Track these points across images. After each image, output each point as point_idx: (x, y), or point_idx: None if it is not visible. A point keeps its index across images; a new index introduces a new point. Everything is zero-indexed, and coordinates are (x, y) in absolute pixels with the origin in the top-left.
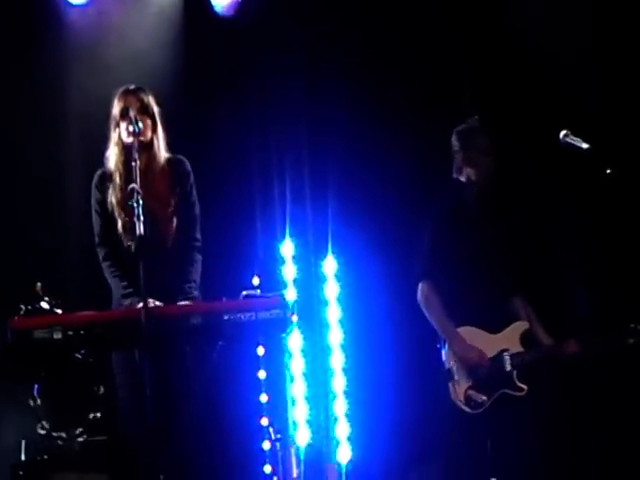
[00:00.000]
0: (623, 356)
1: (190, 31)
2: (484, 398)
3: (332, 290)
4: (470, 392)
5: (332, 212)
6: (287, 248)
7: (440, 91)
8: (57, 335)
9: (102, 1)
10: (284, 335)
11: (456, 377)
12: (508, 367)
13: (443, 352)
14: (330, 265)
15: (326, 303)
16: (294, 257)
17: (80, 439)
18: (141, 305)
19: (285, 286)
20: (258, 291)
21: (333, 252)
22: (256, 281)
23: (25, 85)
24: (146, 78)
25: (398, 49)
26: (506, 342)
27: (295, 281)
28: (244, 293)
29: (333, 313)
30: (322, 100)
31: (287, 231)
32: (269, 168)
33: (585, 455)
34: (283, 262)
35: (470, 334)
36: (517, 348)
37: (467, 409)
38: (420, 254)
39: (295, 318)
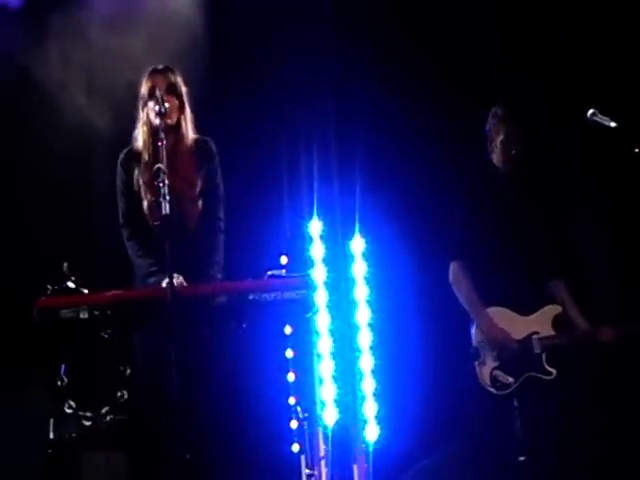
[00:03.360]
0: None
1: (219, 8)
2: (510, 380)
3: (360, 269)
4: (496, 372)
5: (360, 191)
6: (315, 227)
7: (471, 71)
8: (83, 315)
9: None
10: (309, 315)
11: (482, 357)
12: (537, 350)
13: (471, 332)
14: (358, 244)
15: (354, 282)
16: (322, 236)
17: (107, 418)
18: (166, 283)
19: (313, 265)
20: (284, 271)
21: (361, 231)
22: (284, 260)
23: (55, 59)
24: (174, 57)
25: (429, 27)
26: (537, 325)
27: (323, 260)
28: (269, 273)
29: (361, 292)
30: (351, 78)
31: (315, 210)
32: (296, 147)
33: (614, 439)
34: (311, 241)
35: (500, 315)
36: (548, 331)
37: (493, 390)
38: (452, 233)
39: (322, 297)
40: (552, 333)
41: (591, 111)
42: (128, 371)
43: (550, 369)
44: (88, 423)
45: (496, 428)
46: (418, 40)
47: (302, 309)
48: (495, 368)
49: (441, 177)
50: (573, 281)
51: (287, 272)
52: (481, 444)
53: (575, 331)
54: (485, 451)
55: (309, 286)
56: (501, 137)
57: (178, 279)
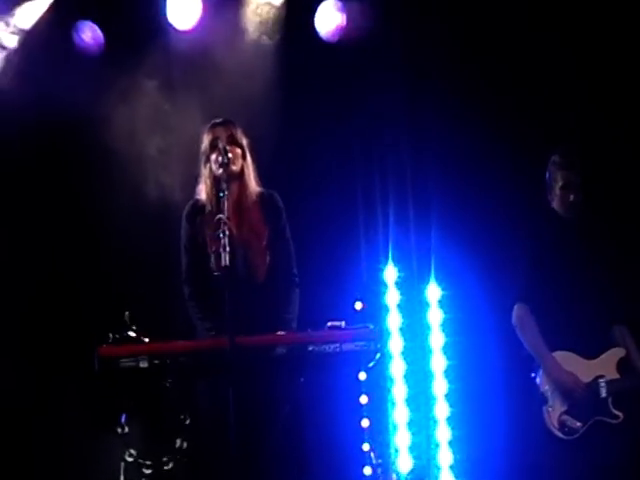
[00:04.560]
0: None
1: (292, 56)
2: (578, 424)
3: (435, 316)
4: (564, 417)
5: (435, 237)
6: (390, 273)
7: (540, 118)
8: (143, 364)
9: (206, 27)
10: (370, 366)
11: (550, 402)
12: (604, 394)
13: (538, 376)
14: (433, 291)
15: (429, 329)
16: (397, 282)
17: (167, 467)
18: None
19: (388, 312)
20: (343, 323)
21: (436, 278)
22: (359, 306)
23: (129, 107)
24: (245, 103)
25: (502, 74)
26: (602, 368)
27: (398, 306)
28: (329, 324)
29: (436, 339)
30: (425, 124)
31: (390, 256)
32: (372, 193)
33: None
34: (386, 287)
35: (565, 359)
36: (613, 375)
37: (561, 435)
38: (516, 275)
39: (397, 344)
40: (617, 376)
41: None
42: (188, 420)
43: (617, 413)
44: (148, 472)
45: (565, 474)
46: (493, 84)
47: (363, 361)
48: (563, 413)
49: (516, 224)
50: (637, 327)
51: (353, 321)
52: None
53: (638, 374)
54: None
55: (369, 338)
56: (560, 184)
57: None
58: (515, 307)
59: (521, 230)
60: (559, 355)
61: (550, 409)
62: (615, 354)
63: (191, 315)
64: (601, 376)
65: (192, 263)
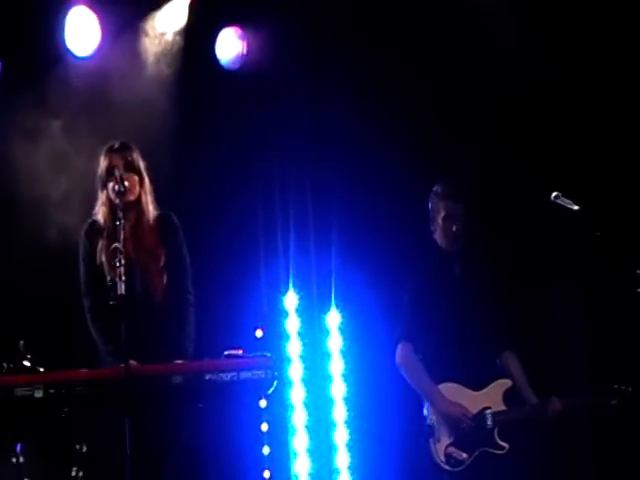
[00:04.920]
0: (607, 416)
1: (192, 82)
2: (464, 456)
3: (335, 343)
4: (450, 449)
5: (336, 265)
6: (291, 300)
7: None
8: (38, 394)
9: (105, 55)
10: (268, 394)
11: (437, 434)
12: (490, 425)
13: (424, 409)
14: (333, 318)
15: (329, 356)
16: (297, 309)
17: None
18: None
19: (288, 338)
20: (240, 351)
21: (336, 305)
22: (259, 333)
23: (26, 135)
24: (144, 128)
25: (398, 99)
26: (488, 400)
27: (299, 333)
28: (226, 353)
29: (336, 366)
30: (327, 151)
31: (290, 283)
32: (273, 221)
33: None
34: (287, 315)
35: (451, 391)
36: (499, 406)
37: (447, 467)
38: (399, 314)
39: (297, 371)
40: (503, 407)
41: (555, 194)
42: (84, 449)
43: (502, 443)
44: None
45: None
46: (388, 116)
47: (260, 389)
48: (449, 444)
49: (416, 251)
50: (527, 352)
51: (253, 349)
52: None
53: (524, 405)
54: None
55: (266, 366)
56: (442, 214)
57: (133, 364)
58: (398, 346)
59: (408, 264)
60: (445, 387)
61: (436, 441)
62: (501, 385)
63: (91, 328)
64: (487, 407)
65: (90, 276)
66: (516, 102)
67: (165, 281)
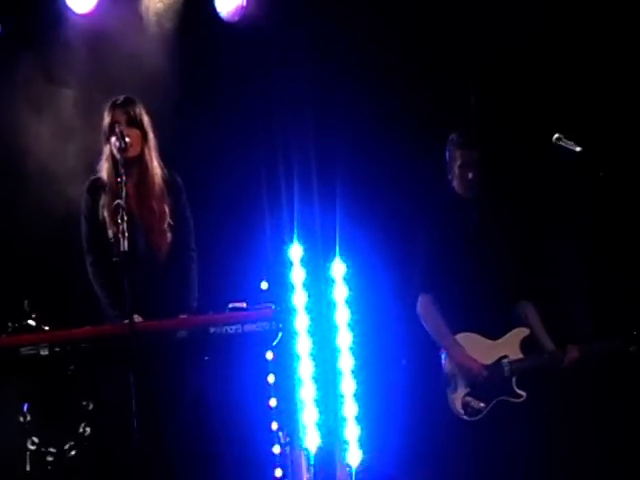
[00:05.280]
0: (624, 363)
1: (193, 37)
2: (482, 405)
3: (340, 293)
4: (467, 399)
5: (340, 215)
6: (295, 252)
7: (446, 95)
8: (44, 352)
9: (104, 10)
10: (273, 345)
11: (453, 384)
12: (507, 373)
13: (442, 359)
14: (338, 268)
15: (334, 306)
16: (302, 260)
17: (70, 454)
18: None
19: (293, 290)
20: (244, 304)
21: (341, 255)
22: (264, 285)
23: (25, 90)
24: (147, 86)
25: (403, 52)
26: (506, 348)
27: (303, 284)
28: (230, 305)
29: (342, 316)
30: (329, 103)
31: (295, 235)
32: (276, 172)
33: (585, 461)
34: (291, 265)
35: (469, 341)
36: (517, 354)
37: (465, 416)
38: (417, 265)
39: (302, 322)
40: (520, 356)
41: (556, 136)
42: (91, 406)
43: (520, 392)
44: (51, 459)
45: (467, 454)
46: (394, 62)
47: (265, 341)
48: (466, 395)
49: (421, 200)
50: (544, 300)
51: (259, 301)
52: (451, 472)
53: (542, 353)
54: (454, 477)
55: (269, 318)
56: (458, 162)
57: (138, 319)
58: (419, 298)
59: (422, 213)
60: (462, 337)
61: (454, 391)
62: (518, 334)
63: (94, 283)
64: (505, 356)
65: (92, 232)
66: (519, 51)
67: (169, 239)
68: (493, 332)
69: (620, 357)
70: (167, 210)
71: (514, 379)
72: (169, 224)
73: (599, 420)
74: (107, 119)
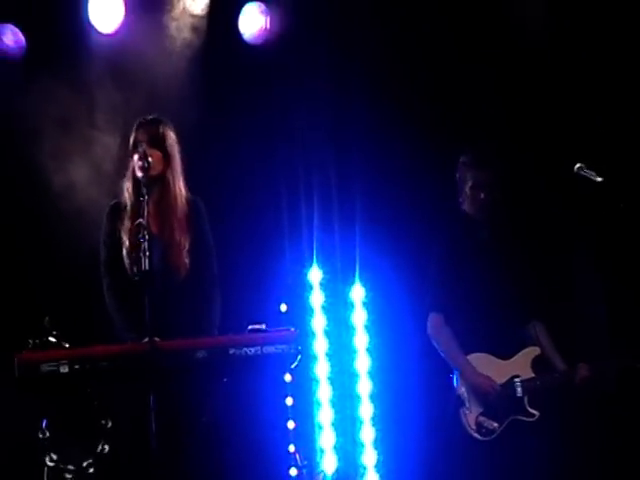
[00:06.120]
0: (636, 380)
1: (216, 59)
2: (495, 425)
3: (360, 317)
4: (481, 419)
5: (360, 239)
6: (315, 275)
7: (460, 117)
8: (64, 369)
9: (129, 31)
10: (292, 368)
11: (467, 404)
12: (519, 393)
13: (454, 380)
14: (358, 292)
15: (353, 330)
16: (322, 284)
17: (88, 471)
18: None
19: (312, 313)
20: (263, 325)
21: (361, 279)
22: (284, 308)
23: (51, 110)
24: (170, 109)
25: (421, 74)
26: (517, 368)
27: (323, 308)
28: (250, 327)
29: (360, 340)
30: (350, 126)
31: (315, 258)
32: (296, 196)
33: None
34: (311, 289)
35: (481, 361)
36: (528, 374)
37: (478, 436)
38: (429, 285)
39: (321, 345)
40: (532, 375)
41: (578, 165)
42: (109, 425)
43: (533, 411)
44: (70, 476)
45: (482, 475)
46: (414, 93)
47: (284, 363)
48: (480, 414)
49: (440, 225)
50: (556, 320)
51: (278, 324)
52: None
53: (553, 372)
54: None
55: (289, 340)
56: (469, 183)
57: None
58: (429, 317)
59: (434, 235)
60: (474, 357)
61: (467, 411)
62: (529, 353)
63: (109, 306)
64: (516, 376)
65: (110, 257)
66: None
67: (188, 263)
68: (504, 352)
69: (632, 374)
70: (188, 231)
71: (526, 398)
72: (190, 249)
73: (612, 438)
74: (132, 138)
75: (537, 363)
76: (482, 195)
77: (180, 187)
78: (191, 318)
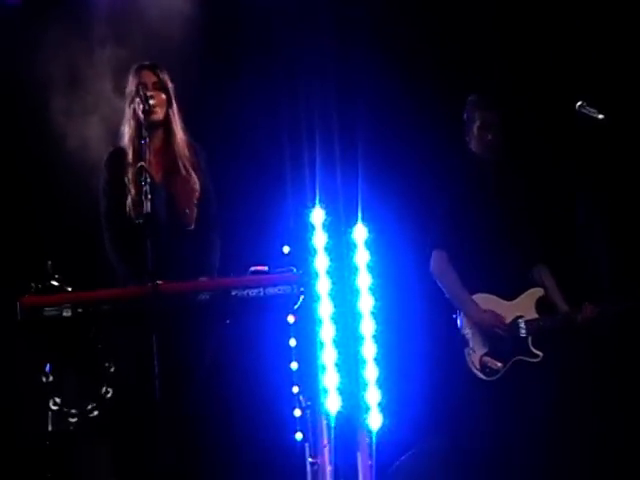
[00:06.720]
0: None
1: (218, 6)
2: (499, 365)
3: (362, 257)
4: (485, 359)
5: (362, 179)
6: (317, 216)
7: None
8: (66, 313)
9: None
10: (294, 309)
11: (471, 344)
12: (523, 333)
13: (458, 320)
14: (360, 232)
15: (356, 270)
16: (324, 225)
17: (92, 414)
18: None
19: (315, 254)
20: (265, 267)
21: (363, 219)
22: (286, 249)
23: (43, 54)
24: (170, 54)
25: (424, 13)
26: (521, 309)
27: (325, 249)
28: (252, 269)
29: (363, 280)
30: (351, 67)
31: (317, 199)
32: (298, 137)
33: (601, 421)
34: (313, 230)
35: (485, 301)
36: (532, 314)
37: (482, 376)
38: (434, 222)
39: (324, 286)
40: (536, 316)
41: (579, 103)
42: (113, 368)
43: (536, 352)
44: (74, 420)
45: (485, 414)
46: (416, 34)
47: (285, 305)
48: (484, 354)
49: (443, 165)
50: (561, 261)
51: (280, 265)
52: (469, 432)
53: (556, 314)
54: (473, 439)
55: (291, 281)
56: (477, 123)
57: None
58: (432, 254)
59: (439, 174)
60: (478, 297)
61: (471, 351)
62: (534, 294)
63: (112, 260)
64: (520, 316)
65: (110, 207)
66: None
67: (195, 206)
68: (508, 293)
69: (635, 316)
70: (193, 175)
71: (530, 339)
72: (194, 189)
73: (616, 379)
74: (133, 81)
75: (541, 304)
76: (489, 136)
77: (181, 131)
78: (192, 262)
